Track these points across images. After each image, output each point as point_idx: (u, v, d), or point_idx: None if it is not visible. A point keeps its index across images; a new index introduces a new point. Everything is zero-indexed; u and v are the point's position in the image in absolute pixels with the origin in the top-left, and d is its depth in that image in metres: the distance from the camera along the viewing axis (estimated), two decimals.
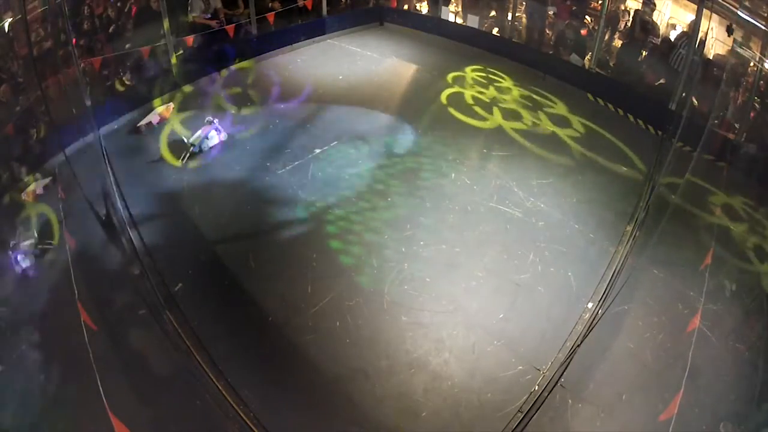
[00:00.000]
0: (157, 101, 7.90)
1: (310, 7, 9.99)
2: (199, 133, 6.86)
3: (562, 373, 4.30)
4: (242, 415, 3.98)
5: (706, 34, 7.08)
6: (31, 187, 5.86)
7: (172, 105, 7.78)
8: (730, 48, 6.91)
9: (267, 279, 5.16)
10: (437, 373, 4.34)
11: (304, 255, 5.41)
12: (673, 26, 8.10)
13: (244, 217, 5.94)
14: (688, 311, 4.78)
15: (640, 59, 8.09)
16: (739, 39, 6.79)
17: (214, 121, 7.00)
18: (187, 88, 8.40)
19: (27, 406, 4.04)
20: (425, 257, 5.41)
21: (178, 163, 6.68)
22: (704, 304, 4.69)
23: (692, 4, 7.35)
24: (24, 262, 5.03)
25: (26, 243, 5.26)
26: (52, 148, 6.37)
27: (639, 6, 8.18)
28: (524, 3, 9.49)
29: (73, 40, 6.93)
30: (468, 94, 8.56)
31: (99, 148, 6.73)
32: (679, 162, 6.51)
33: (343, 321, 4.75)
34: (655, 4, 8.02)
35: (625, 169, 6.76)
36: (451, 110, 8.08)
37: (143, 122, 7.38)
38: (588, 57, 8.50)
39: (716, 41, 7.15)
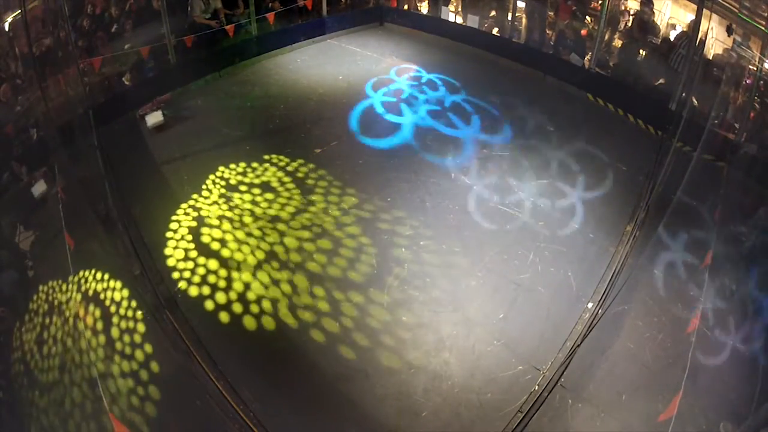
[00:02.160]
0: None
1: (310, 7, 9.98)
2: None
3: (562, 373, 4.30)
4: (242, 415, 3.99)
5: (706, 34, 7.08)
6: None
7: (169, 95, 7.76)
8: (730, 48, 6.91)
9: (267, 278, 5.16)
10: (437, 373, 4.35)
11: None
12: (673, 26, 8.09)
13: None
14: (688, 311, 4.79)
15: (640, 59, 8.09)
16: (739, 39, 6.79)
17: None
18: (187, 88, 8.39)
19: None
20: (425, 257, 5.41)
21: None
22: (704, 304, 4.69)
23: (692, 4, 7.34)
24: None
25: None
26: (51, 148, 6.37)
27: (639, 6, 8.17)
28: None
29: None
30: None
31: (98, 147, 6.72)
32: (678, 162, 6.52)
33: (343, 321, 4.76)
34: (653, 3, 8.02)
35: (625, 168, 6.75)
36: None
37: (145, 114, 7.36)
38: (588, 57, 8.49)
39: (716, 41, 7.15)
